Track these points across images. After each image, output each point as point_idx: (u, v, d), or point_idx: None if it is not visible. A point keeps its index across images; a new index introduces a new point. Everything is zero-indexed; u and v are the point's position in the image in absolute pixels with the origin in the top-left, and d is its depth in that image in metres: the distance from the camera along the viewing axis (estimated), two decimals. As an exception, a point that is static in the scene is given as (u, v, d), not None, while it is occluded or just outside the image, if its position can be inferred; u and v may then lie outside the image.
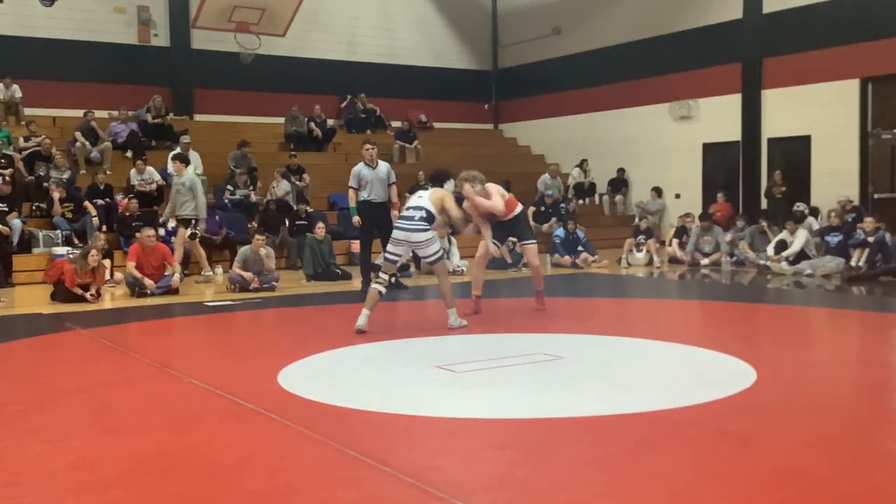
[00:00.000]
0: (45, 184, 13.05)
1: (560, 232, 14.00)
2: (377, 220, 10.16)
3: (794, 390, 4.98)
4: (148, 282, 10.05)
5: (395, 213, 9.76)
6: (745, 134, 16.47)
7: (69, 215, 12.73)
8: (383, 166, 10.39)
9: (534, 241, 8.44)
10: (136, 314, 9.03)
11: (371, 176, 10.15)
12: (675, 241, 14.05)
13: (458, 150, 19.97)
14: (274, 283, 10.64)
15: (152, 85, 17.35)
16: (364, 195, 10.13)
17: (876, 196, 14.59)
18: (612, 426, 4.17)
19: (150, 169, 14.31)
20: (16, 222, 11.96)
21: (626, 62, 18.41)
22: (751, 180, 16.36)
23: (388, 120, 19.97)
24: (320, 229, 12.04)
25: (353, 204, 10.22)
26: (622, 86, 18.59)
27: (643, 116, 18.25)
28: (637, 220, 15.89)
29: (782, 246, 12.42)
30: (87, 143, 14.84)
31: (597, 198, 18.77)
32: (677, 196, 17.50)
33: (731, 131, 16.68)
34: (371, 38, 20.44)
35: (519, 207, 8.32)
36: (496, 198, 7.99)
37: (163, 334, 7.98)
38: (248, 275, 10.40)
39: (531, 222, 15.40)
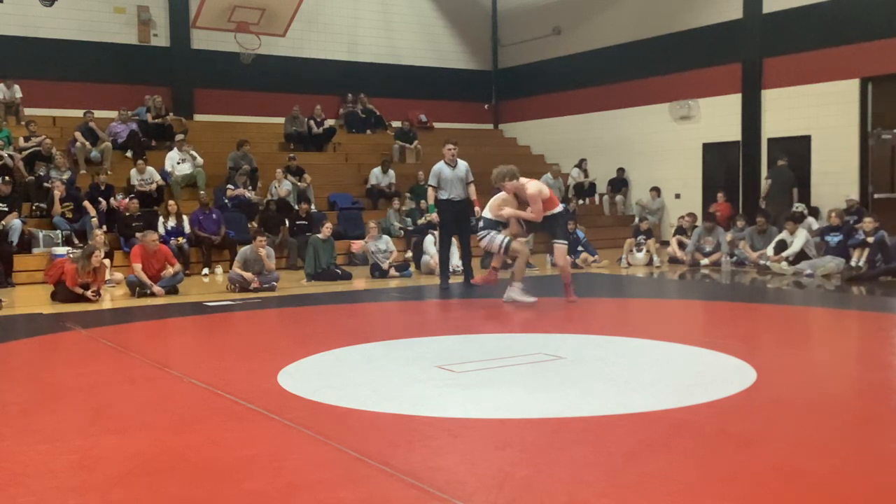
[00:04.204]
0: (46, 183, 13.06)
1: (560, 232, 13.99)
2: (457, 219, 10.35)
3: (794, 390, 4.98)
4: (157, 289, 10.04)
5: (476, 209, 9.88)
6: (745, 134, 16.48)
7: (69, 215, 12.74)
8: (462, 165, 10.46)
9: (564, 241, 8.81)
10: (137, 314, 9.03)
11: (451, 175, 10.23)
12: (675, 238, 14.07)
13: (459, 150, 19.97)
14: (274, 283, 10.64)
15: (152, 85, 17.38)
16: (444, 195, 10.20)
17: (876, 196, 14.60)
18: (612, 426, 4.17)
19: (150, 169, 14.34)
20: (16, 222, 11.96)
21: (626, 62, 18.42)
22: (751, 180, 16.37)
23: (388, 120, 19.98)
24: (327, 228, 12.01)
25: (431, 202, 10.35)
26: (622, 86, 18.60)
27: (643, 116, 18.26)
28: (637, 220, 15.90)
29: (782, 246, 12.43)
30: (87, 143, 14.85)
31: (597, 198, 18.79)
32: (677, 196, 17.52)
33: (731, 131, 16.69)
34: (371, 38, 20.46)
35: (559, 207, 8.80)
36: (536, 205, 8.49)
37: (163, 334, 7.98)
38: (248, 275, 10.40)
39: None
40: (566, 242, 8.95)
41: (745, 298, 10.09)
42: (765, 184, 15.49)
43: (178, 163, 14.90)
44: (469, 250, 10.74)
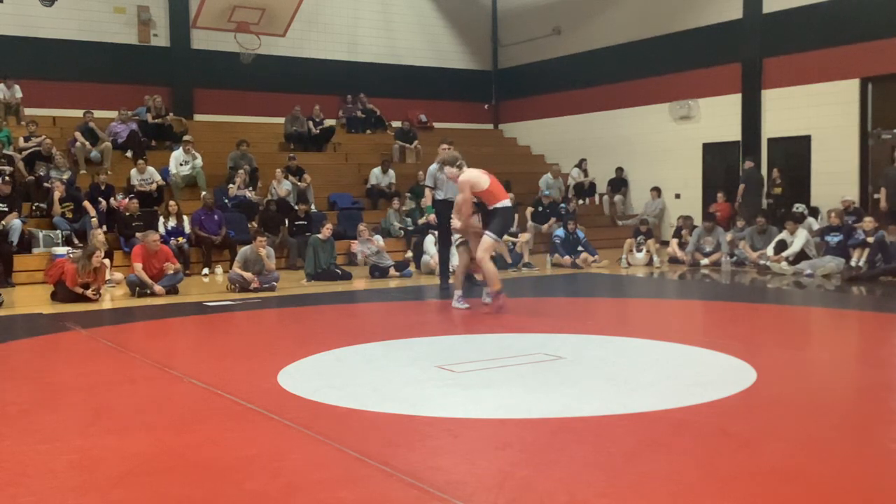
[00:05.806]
0: (46, 183, 13.05)
1: (560, 232, 14.01)
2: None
3: (794, 390, 4.99)
4: (158, 288, 10.04)
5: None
6: (745, 134, 16.48)
7: (69, 215, 12.74)
8: None
9: (495, 236, 8.16)
10: (137, 314, 9.03)
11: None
12: (674, 240, 14.08)
13: (458, 150, 19.97)
14: (274, 283, 10.64)
15: (152, 85, 17.39)
16: (440, 195, 10.15)
17: (876, 196, 14.59)
18: (612, 426, 4.17)
19: (150, 169, 14.35)
20: (16, 222, 11.95)
21: (626, 62, 18.42)
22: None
23: (388, 120, 19.98)
24: (327, 229, 12.00)
25: (429, 202, 10.32)
26: (622, 86, 18.60)
27: (643, 116, 18.26)
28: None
29: (782, 246, 12.43)
30: (87, 143, 14.85)
31: (597, 198, 18.79)
32: (677, 196, 17.52)
33: (731, 131, 16.69)
34: (371, 38, 20.46)
35: (504, 202, 8.18)
36: (463, 192, 8.19)
37: (163, 334, 7.98)
38: (248, 275, 10.40)
39: (530, 222, 15.45)
40: (497, 238, 8.21)
41: (745, 298, 10.09)
42: (741, 188, 15.53)
43: (181, 163, 14.88)
44: None
